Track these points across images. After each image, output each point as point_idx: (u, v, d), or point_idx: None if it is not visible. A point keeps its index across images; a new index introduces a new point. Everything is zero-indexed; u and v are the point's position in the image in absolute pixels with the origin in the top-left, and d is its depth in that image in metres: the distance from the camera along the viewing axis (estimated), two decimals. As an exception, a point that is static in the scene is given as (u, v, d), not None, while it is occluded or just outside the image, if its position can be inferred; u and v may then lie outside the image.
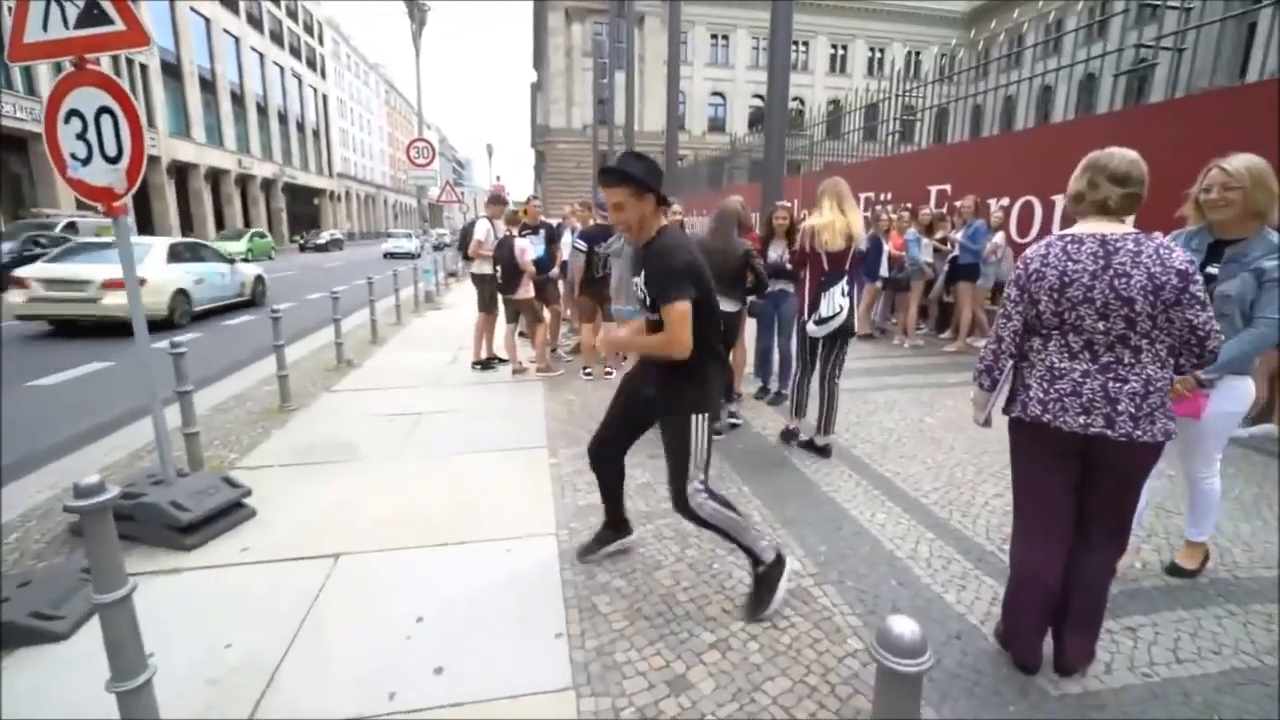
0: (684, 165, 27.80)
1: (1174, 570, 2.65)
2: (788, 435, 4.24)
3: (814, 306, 3.84)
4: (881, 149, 11.61)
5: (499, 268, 5.73)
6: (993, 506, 3.30)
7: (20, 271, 8.59)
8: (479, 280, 6.28)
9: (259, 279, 11.87)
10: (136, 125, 2.64)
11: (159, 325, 8.13)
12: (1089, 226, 1.89)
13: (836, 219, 3.77)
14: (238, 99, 35.00)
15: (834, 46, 43.05)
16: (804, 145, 14.21)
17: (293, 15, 43.41)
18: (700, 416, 2.29)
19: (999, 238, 7.00)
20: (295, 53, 43.72)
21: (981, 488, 3.55)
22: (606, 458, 2.63)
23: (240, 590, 2.53)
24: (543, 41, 42.30)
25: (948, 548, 2.90)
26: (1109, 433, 1.81)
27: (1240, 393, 2.37)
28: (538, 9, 42.55)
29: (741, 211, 4.39)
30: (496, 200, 6.32)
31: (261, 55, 37.91)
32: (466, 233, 6.44)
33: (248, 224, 36.96)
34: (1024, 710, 1.93)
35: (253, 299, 11.45)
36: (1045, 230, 7.01)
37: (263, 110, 38.26)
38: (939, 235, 7.41)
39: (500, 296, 6.01)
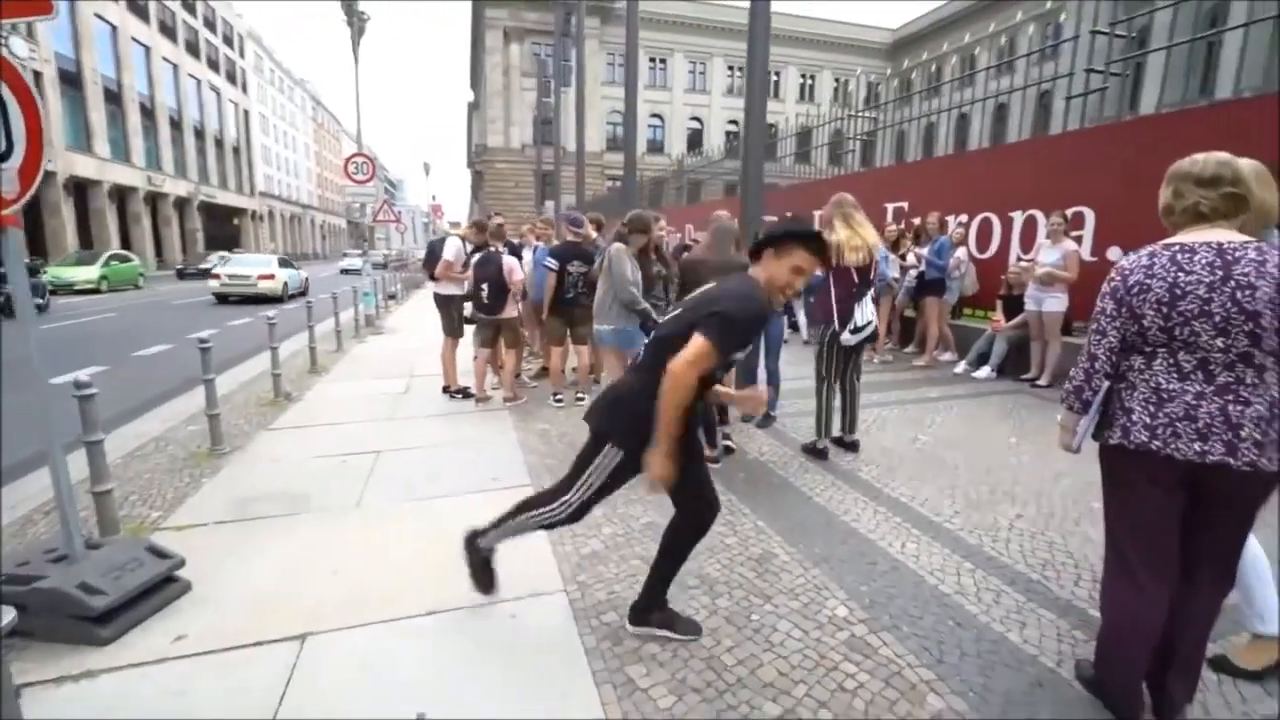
0: (621, 185, 27.95)
1: (1223, 667, 2.09)
2: (817, 453, 4.19)
3: (847, 317, 3.97)
4: (814, 170, 11.89)
5: (485, 286, 5.25)
6: (1018, 529, 3.13)
7: (216, 270, 16.99)
8: (444, 302, 5.78)
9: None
10: (33, 115, 2.11)
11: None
12: (1199, 235, 1.70)
13: (853, 236, 3.99)
14: (148, 112, 32.64)
15: (770, 73, 44.48)
16: (737, 167, 14.47)
17: (211, 26, 41.11)
18: (615, 450, 2.05)
19: (961, 252, 7.10)
20: (214, 65, 41.32)
21: (1000, 508, 3.38)
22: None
23: (177, 695, 1.99)
24: (480, 61, 41.70)
25: (991, 578, 2.68)
26: (1230, 461, 1.61)
27: None
28: (475, 28, 42.00)
29: (735, 229, 4.20)
30: (481, 227, 5.82)
31: (176, 66, 35.58)
32: (434, 251, 5.92)
33: (159, 246, 34.37)
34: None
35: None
36: (1004, 245, 7.17)
37: (176, 125, 35.81)
38: (900, 252, 7.46)
39: (476, 318, 5.52)
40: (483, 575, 2.47)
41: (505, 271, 5.27)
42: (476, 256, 5.39)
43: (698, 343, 1.84)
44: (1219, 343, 1.63)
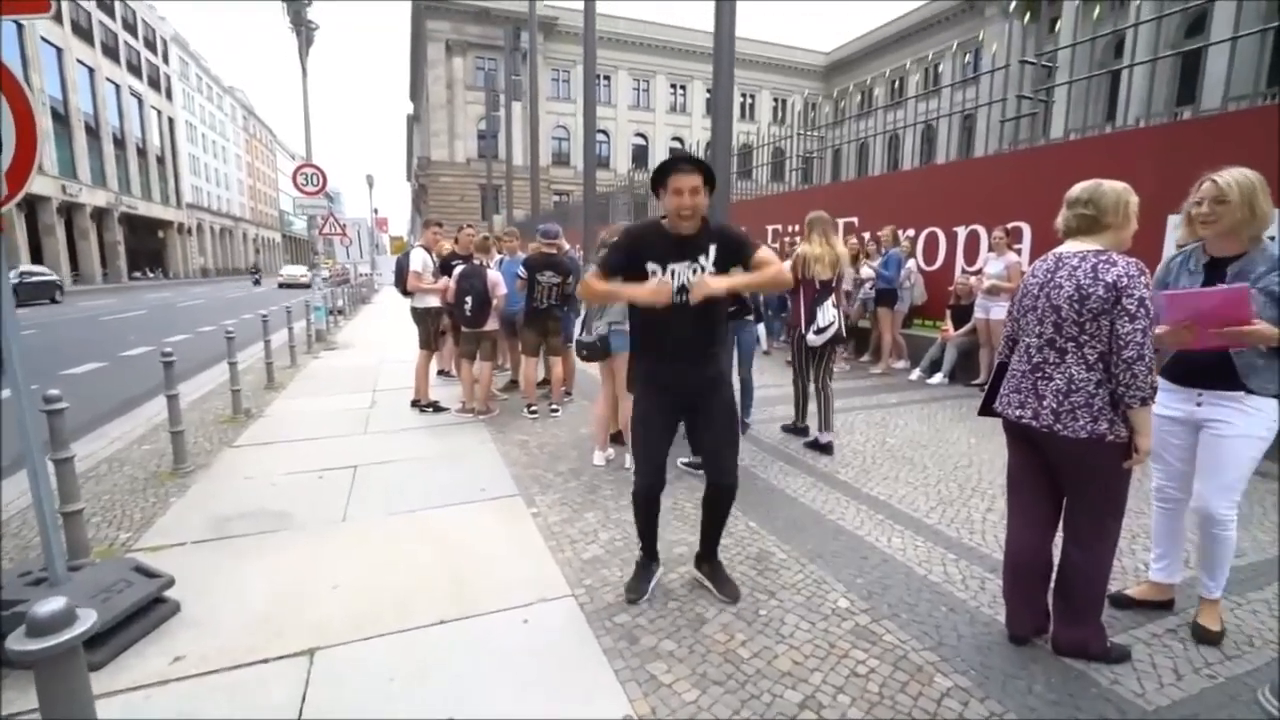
0: (570, 201, 27.88)
1: (1201, 635, 2.28)
2: (797, 431, 4.83)
3: (810, 320, 4.44)
4: (756, 187, 12.35)
5: (469, 299, 5.19)
6: (990, 521, 3.34)
7: (282, 271, 35.50)
8: (422, 316, 5.67)
9: None
10: (25, 114, 2.03)
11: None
12: (1062, 246, 2.08)
13: (826, 252, 4.45)
14: (60, 117, 30.55)
15: (708, 91, 45.60)
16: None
17: (131, 29, 38.93)
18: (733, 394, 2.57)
19: (911, 264, 7.49)
20: (135, 70, 39.10)
21: (971, 502, 3.60)
22: (660, 487, 2.54)
23: (187, 716, 1.91)
24: (421, 73, 41.05)
25: (974, 567, 2.86)
26: (1034, 423, 2.05)
27: (1270, 416, 2.10)
28: (416, 41, 41.40)
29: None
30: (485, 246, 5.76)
31: (92, 70, 33.50)
32: (402, 266, 5.80)
33: (74, 259, 32.08)
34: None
35: None
36: (950, 258, 7.62)
37: (93, 131, 33.62)
38: (856, 266, 7.81)
39: (462, 330, 5.46)
40: None
41: (489, 285, 5.24)
42: (460, 269, 5.34)
43: (760, 254, 2.41)
44: (1037, 330, 2.07)
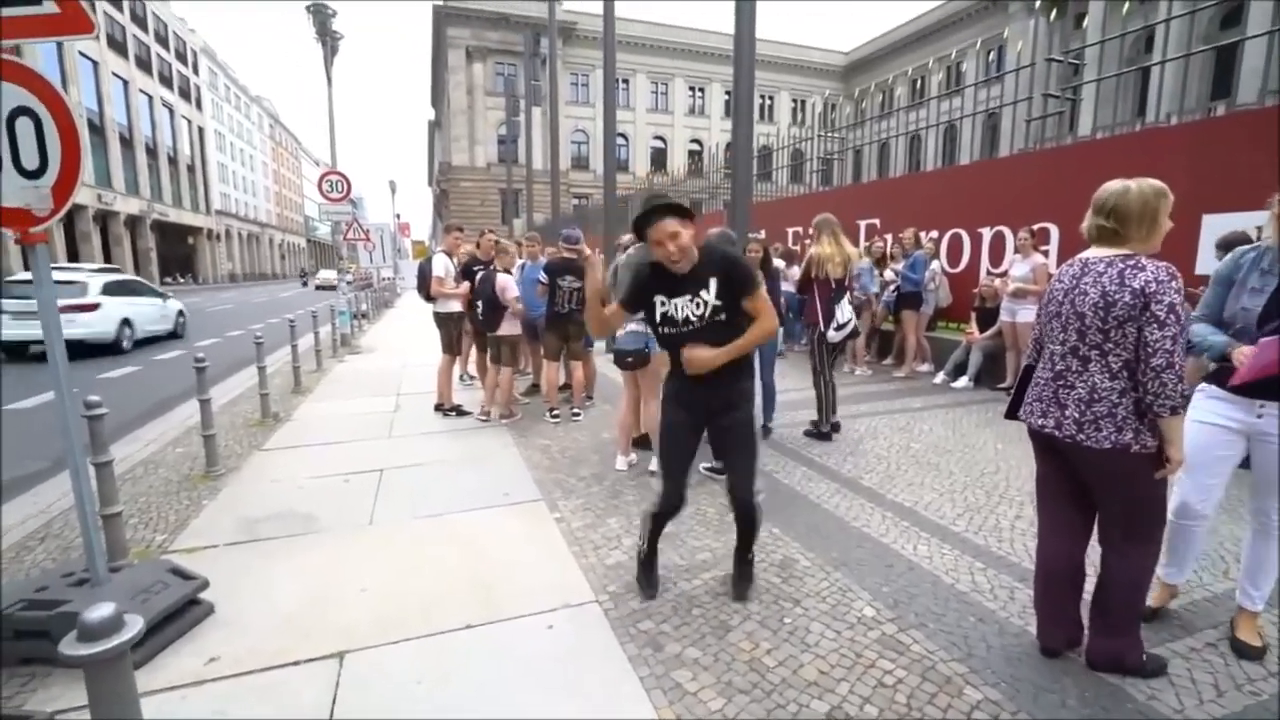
0: (589, 204, 28.02)
1: (1241, 650, 2.22)
2: (820, 435, 4.87)
3: (830, 317, 4.68)
4: (775, 189, 12.29)
5: (480, 303, 5.28)
6: (1019, 528, 3.28)
7: (318, 275, 37.56)
8: (444, 320, 5.76)
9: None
10: (70, 130, 2.10)
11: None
12: (1087, 251, 2.03)
13: (837, 252, 4.65)
14: (96, 128, 31.46)
15: (727, 93, 45.53)
16: (705, 185, 14.88)
17: (163, 41, 40.02)
18: (754, 410, 2.56)
19: (935, 266, 7.40)
20: (166, 81, 40.17)
21: (999, 510, 3.53)
22: (684, 503, 2.58)
23: (220, 716, 1.95)
24: (442, 79, 41.59)
25: (1002, 575, 2.81)
26: (1057, 433, 2.00)
27: None
28: (437, 47, 41.93)
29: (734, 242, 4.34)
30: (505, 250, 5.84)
31: (126, 82, 34.48)
32: (424, 272, 5.89)
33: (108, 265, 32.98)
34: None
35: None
36: (974, 259, 7.50)
37: (127, 142, 34.60)
38: (881, 268, 7.73)
39: (485, 335, 5.55)
40: None
41: (499, 289, 5.29)
42: (480, 273, 5.42)
43: (756, 298, 2.41)
44: (1060, 337, 2.03)
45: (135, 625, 0.99)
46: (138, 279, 13.09)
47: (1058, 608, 2.20)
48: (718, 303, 2.34)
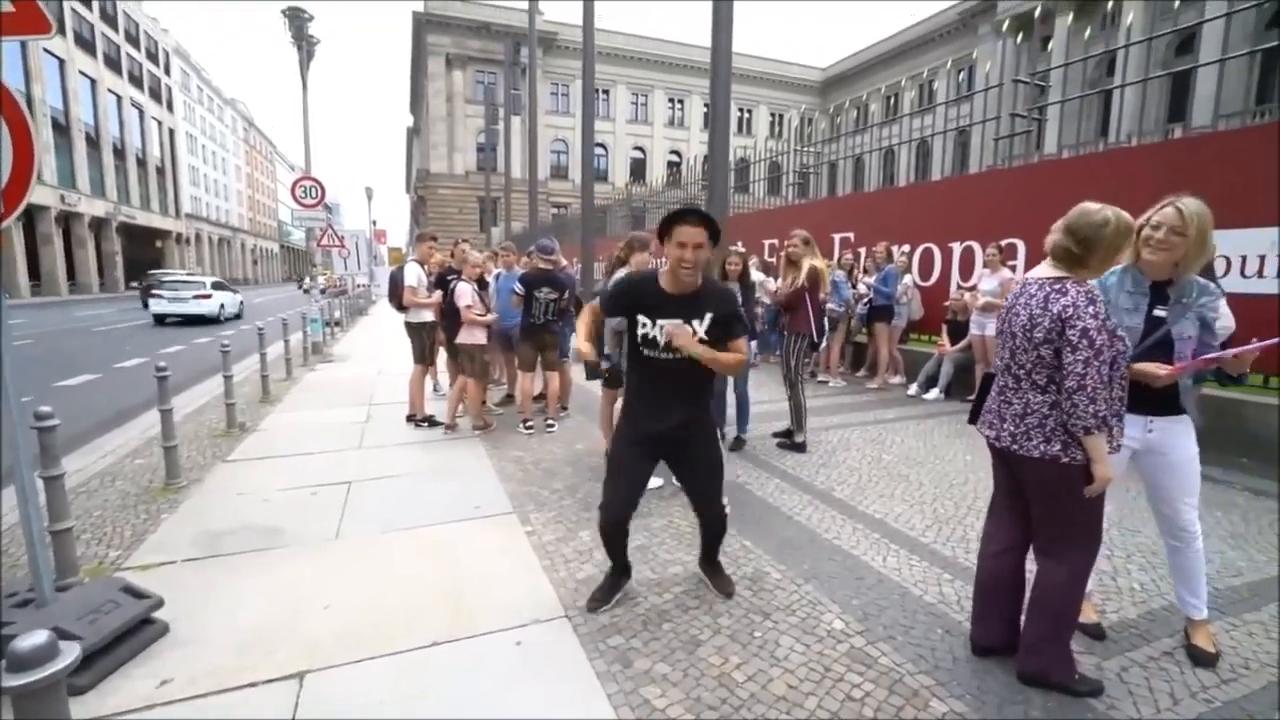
0: (567, 214, 28.08)
1: (1196, 657, 2.28)
2: (795, 446, 4.92)
3: (822, 330, 4.94)
4: (752, 200, 12.45)
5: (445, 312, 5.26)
6: (986, 540, 3.33)
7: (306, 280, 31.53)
8: (416, 330, 5.68)
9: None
10: (22, 129, 2.03)
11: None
12: (1034, 270, 2.10)
13: (824, 266, 4.97)
14: (61, 128, 30.68)
15: (706, 105, 46.02)
16: (683, 197, 15.01)
17: (134, 41, 39.24)
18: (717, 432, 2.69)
19: (907, 279, 7.53)
20: (136, 81, 39.34)
21: (967, 521, 3.59)
22: (627, 521, 2.57)
23: (173, 742, 1.88)
24: (421, 86, 41.35)
25: (969, 587, 2.78)
26: (996, 443, 2.13)
27: (1193, 432, 2.20)
28: (416, 54, 41.75)
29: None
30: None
31: (94, 81, 33.69)
32: (396, 280, 5.82)
33: (71, 270, 32.06)
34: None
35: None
36: (945, 273, 7.65)
37: (93, 142, 33.78)
38: (852, 280, 7.85)
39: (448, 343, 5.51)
40: None
41: (456, 297, 5.24)
42: (453, 283, 5.39)
43: (738, 343, 2.50)
44: (1001, 354, 2.15)
45: (71, 653, 0.94)
46: (223, 281, 21.11)
47: (990, 608, 2.30)
48: (704, 337, 2.38)
